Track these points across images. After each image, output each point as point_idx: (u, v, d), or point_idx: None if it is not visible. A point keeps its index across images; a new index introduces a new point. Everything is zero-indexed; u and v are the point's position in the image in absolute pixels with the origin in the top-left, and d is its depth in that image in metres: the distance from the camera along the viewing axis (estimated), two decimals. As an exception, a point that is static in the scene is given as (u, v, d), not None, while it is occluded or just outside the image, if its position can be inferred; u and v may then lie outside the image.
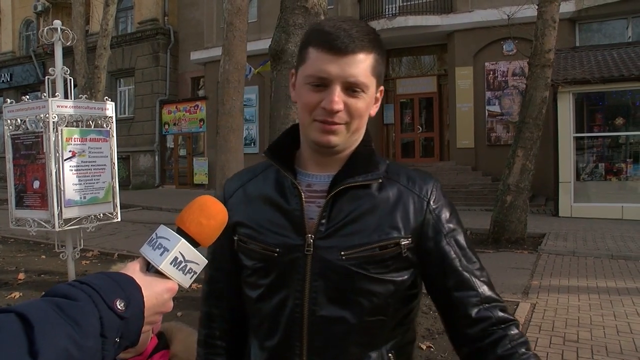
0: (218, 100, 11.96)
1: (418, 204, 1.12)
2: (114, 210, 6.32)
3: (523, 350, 1.06)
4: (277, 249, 1.12)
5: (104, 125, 6.27)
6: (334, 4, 17.24)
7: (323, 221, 1.10)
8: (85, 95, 6.88)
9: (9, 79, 25.62)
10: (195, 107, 20.87)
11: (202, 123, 20.58)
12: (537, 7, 8.75)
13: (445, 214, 1.14)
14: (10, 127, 6.09)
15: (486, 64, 15.10)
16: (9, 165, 6.11)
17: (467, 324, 1.09)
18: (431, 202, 1.13)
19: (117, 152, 6.45)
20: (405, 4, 16.48)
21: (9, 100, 6.22)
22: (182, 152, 21.48)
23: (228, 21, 11.19)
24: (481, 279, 1.11)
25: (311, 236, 1.10)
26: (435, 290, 1.14)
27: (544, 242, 8.86)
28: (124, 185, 19.28)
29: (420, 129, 17.83)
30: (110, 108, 6.33)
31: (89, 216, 6.07)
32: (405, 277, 1.11)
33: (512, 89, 14.65)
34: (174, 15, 21.87)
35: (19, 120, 6.02)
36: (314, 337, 1.09)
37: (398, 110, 18.12)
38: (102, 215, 6.22)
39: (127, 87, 22.59)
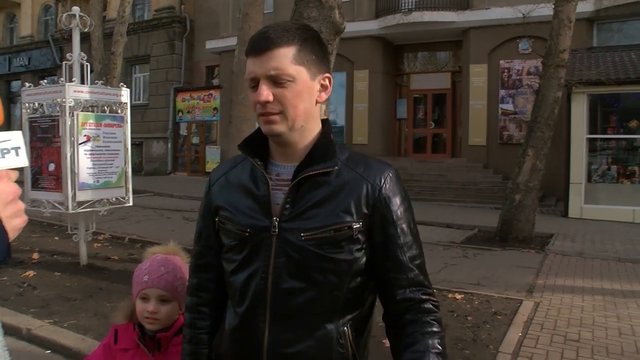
0: (232, 90, 12.06)
1: (371, 192, 1.25)
2: (126, 194, 6.44)
3: (428, 319, 1.24)
4: (248, 229, 1.27)
5: (119, 111, 6.37)
6: (350, -3, 17.22)
7: (287, 206, 1.25)
8: (101, 81, 6.97)
9: (27, 63, 25.88)
10: (209, 96, 20.97)
11: (215, 112, 20.68)
12: (553, 6, 8.71)
13: (395, 202, 1.26)
14: (28, 110, 6.21)
15: (501, 62, 15.04)
16: (26, 148, 6.22)
17: (394, 301, 1.27)
18: (382, 190, 1.25)
19: (131, 138, 6.55)
20: (421, -1, 16.46)
21: (27, 84, 6.34)
22: (195, 140, 21.61)
23: (244, 12, 11.28)
24: (415, 263, 1.27)
25: (276, 219, 1.25)
26: (375, 269, 1.28)
27: (551, 242, 8.86)
28: (136, 171, 19.37)
29: (433, 124, 17.82)
30: (125, 94, 6.43)
31: (101, 200, 6.19)
32: (357, 256, 1.25)
33: (527, 87, 14.58)
34: (191, 4, 21.95)
35: (36, 104, 6.15)
36: (276, 307, 1.24)
37: (411, 105, 18.11)
38: (114, 199, 6.34)
39: (142, 74, 22.73)
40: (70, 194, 5.79)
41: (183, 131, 22.00)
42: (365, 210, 1.24)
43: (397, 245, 1.26)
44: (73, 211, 5.89)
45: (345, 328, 1.26)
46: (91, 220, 6.48)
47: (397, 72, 18.38)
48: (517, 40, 14.30)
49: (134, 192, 6.90)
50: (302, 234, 1.22)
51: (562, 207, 12.26)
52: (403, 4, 16.45)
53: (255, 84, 1.21)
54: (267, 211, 1.26)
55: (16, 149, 0.87)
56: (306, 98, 1.24)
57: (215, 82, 21.80)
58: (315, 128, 1.31)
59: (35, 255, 6.79)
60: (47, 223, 8.97)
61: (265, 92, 1.19)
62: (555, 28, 8.52)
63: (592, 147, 12.12)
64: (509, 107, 15.06)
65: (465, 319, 5.01)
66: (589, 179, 12.02)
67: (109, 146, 6.19)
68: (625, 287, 6.36)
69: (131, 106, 6.77)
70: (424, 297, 1.27)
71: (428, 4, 16.01)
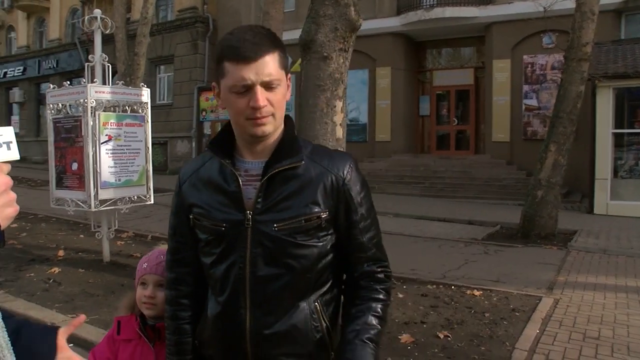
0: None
1: (335, 183, 1.38)
2: (147, 193, 6.56)
3: (378, 287, 1.44)
4: (224, 224, 1.37)
5: (140, 111, 6.48)
6: (372, -7, 17.17)
7: (259, 200, 1.35)
8: (122, 82, 7.09)
9: (55, 65, 26.43)
10: (232, 95, 21.06)
11: (238, 111, 20.77)
12: (575, -2, 8.56)
13: (356, 190, 1.41)
14: (52, 111, 6.38)
15: (524, 56, 14.84)
16: (51, 148, 6.41)
17: (355, 273, 1.45)
18: (346, 181, 1.39)
19: (156, 137, 6.67)
20: (443, -6, 16.32)
21: (51, 86, 6.51)
22: (219, 139, 21.75)
23: (264, 10, 11.37)
24: (372, 242, 1.45)
25: (250, 212, 1.35)
26: (340, 250, 1.43)
27: (574, 238, 8.72)
28: (161, 170, 19.72)
29: (456, 121, 17.67)
30: (145, 94, 6.54)
31: (123, 198, 6.32)
32: (325, 242, 1.39)
33: (551, 82, 14.34)
34: (213, 4, 22.12)
35: (60, 105, 6.30)
36: (255, 293, 1.36)
37: (434, 102, 17.99)
38: (136, 197, 6.46)
39: (166, 74, 23.00)
40: (92, 192, 5.92)
41: (207, 130, 22.17)
42: (331, 201, 1.37)
43: (359, 229, 1.42)
44: (95, 209, 6.02)
45: (316, 303, 1.40)
46: (114, 218, 6.62)
47: (419, 68, 18.27)
48: (541, 35, 14.06)
49: (158, 191, 7.03)
50: (275, 225, 1.34)
51: (587, 203, 12.04)
52: (424, 0, 16.33)
53: (245, 89, 1.28)
54: (240, 206, 1.36)
55: (8, 143, 0.92)
56: (285, 99, 1.35)
57: (238, 81, 21.88)
58: (282, 125, 1.41)
59: (61, 253, 6.98)
60: (73, 221, 9.19)
61: (262, 98, 1.27)
62: (577, 21, 8.37)
63: (618, 142, 11.86)
64: (532, 102, 14.84)
65: (483, 315, 4.99)
66: (615, 174, 11.78)
67: (130, 145, 6.30)
68: (650, 284, 6.23)
69: (156, 106, 6.91)
70: (378, 269, 1.46)
71: (449, 0, 15.87)
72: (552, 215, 8.72)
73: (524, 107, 14.95)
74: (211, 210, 1.39)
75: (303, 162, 1.37)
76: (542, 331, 4.62)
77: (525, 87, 14.90)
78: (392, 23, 16.81)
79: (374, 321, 1.38)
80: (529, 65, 14.82)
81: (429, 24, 15.96)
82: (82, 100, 6.00)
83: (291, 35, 15.40)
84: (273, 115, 1.31)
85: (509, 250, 8.08)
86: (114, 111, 6.23)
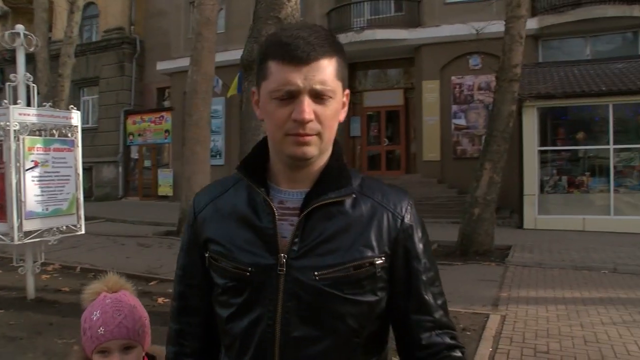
0: (185, 111, 11.85)
1: (392, 221, 1.10)
2: (78, 222, 6.13)
3: None
4: (250, 268, 1.08)
5: (69, 135, 6.08)
6: (303, 16, 17.26)
7: (296, 240, 1.07)
8: (49, 104, 6.64)
9: (-36, 87, 24.77)
10: (161, 118, 20.57)
11: (167, 134, 20.30)
12: (504, 22, 8.94)
13: (418, 234, 1.13)
14: (-31, 135, 5.85)
15: (452, 77, 15.34)
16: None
17: (418, 347, 1.11)
18: (405, 220, 1.12)
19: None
20: (373, 17, 16.69)
21: (-33, 108, 5.98)
22: (147, 163, 21.11)
23: (197, 31, 11.15)
24: (438, 303, 1.13)
25: (284, 256, 1.06)
26: (394, 309, 1.12)
27: (510, 254, 8.99)
28: (86, 196, 18.76)
29: (387, 141, 17.97)
30: (75, 117, 6.16)
31: (51, 229, 5.86)
32: (380, 297, 1.09)
33: (478, 102, 14.92)
34: (141, 25, 21.60)
35: (-22, 129, 5.79)
36: (285, 358, 1.06)
37: (365, 123, 18.23)
38: (65, 227, 6.02)
39: (91, 97, 22.14)
40: (15, 224, 5.44)
41: (134, 154, 21.46)
42: (387, 243, 1.09)
43: (422, 282, 1.11)
44: (19, 242, 5.53)
45: None
46: (39, 250, 6.11)
47: (350, 89, 18.43)
48: (468, 57, 14.65)
49: (85, 218, 6.56)
50: (315, 273, 1.05)
51: (517, 218, 12.52)
52: (355, 23, 16.64)
53: (289, 96, 1.03)
54: (273, 247, 1.08)
55: None
56: (337, 117, 1.10)
57: (167, 103, 21.43)
58: (330, 150, 1.14)
59: (-23, 291, 6.35)
60: (-10, 255, 8.44)
61: (309, 109, 1.02)
62: (507, 44, 8.74)
63: (544, 159, 12.50)
64: (461, 122, 15.34)
65: (435, 336, 4.95)
66: (542, 190, 12.34)
67: (58, 172, 5.88)
68: (584, 294, 6.48)
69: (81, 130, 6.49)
70: (451, 342, 1.12)
71: (380, 22, 16.26)
72: (489, 232, 8.95)
73: (453, 126, 15.42)
74: (234, 250, 1.10)
75: (354, 195, 1.10)
76: (495, 349, 4.64)
77: (454, 107, 15.40)
78: (323, 45, 16.96)
79: None
80: (457, 86, 15.34)
81: (359, 46, 16.19)
82: (3, 124, 5.54)
83: (221, 57, 15.29)
84: (320, 134, 1.05)
85: (450, 268, 8.16)
86: (40, 135, 5.79)
